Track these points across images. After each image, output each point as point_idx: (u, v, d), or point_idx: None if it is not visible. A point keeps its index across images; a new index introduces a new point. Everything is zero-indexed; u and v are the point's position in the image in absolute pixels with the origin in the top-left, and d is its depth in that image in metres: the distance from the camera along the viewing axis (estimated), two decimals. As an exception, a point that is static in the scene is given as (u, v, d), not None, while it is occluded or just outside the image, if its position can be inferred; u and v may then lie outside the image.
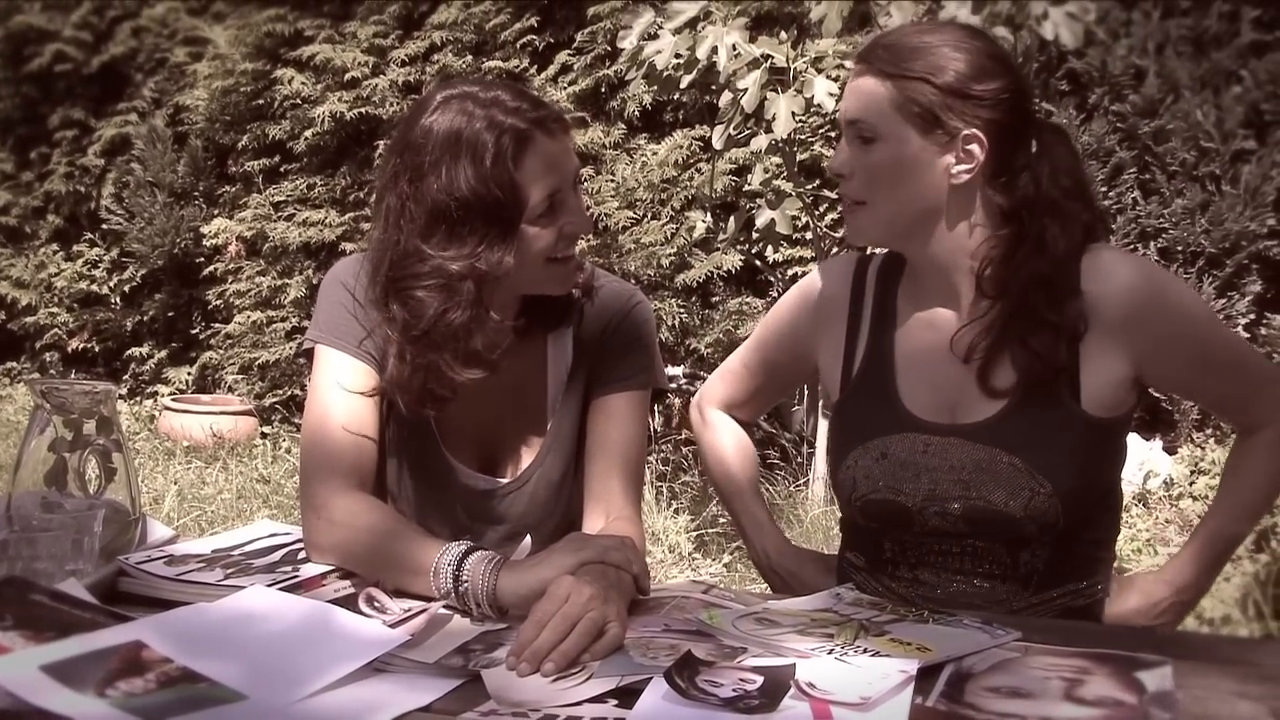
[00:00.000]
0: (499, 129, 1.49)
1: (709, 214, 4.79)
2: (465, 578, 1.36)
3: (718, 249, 5.83)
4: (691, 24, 4.04)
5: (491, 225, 1.50)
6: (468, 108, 1.51)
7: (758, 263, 5.07)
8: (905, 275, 1.65)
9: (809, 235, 4.78)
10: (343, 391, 1.59)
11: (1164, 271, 1.62)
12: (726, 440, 1.86)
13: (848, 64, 4.29)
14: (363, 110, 6.66)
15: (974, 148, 1.49)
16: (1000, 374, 1.52)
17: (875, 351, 1.63)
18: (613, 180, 6.11)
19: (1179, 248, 5.06)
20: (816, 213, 5.13)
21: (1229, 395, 1.62)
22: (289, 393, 6.81)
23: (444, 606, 1.36)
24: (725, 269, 5.88)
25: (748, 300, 5.95)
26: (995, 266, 1.52)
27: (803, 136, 5.38)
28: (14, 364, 8.37)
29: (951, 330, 1.56)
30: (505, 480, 1.69)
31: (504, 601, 1.34)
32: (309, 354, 1.66)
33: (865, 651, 1.19)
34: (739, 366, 1.85)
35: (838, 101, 3.98)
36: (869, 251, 1.79)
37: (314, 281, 6.82)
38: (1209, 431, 4.95)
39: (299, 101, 6.93)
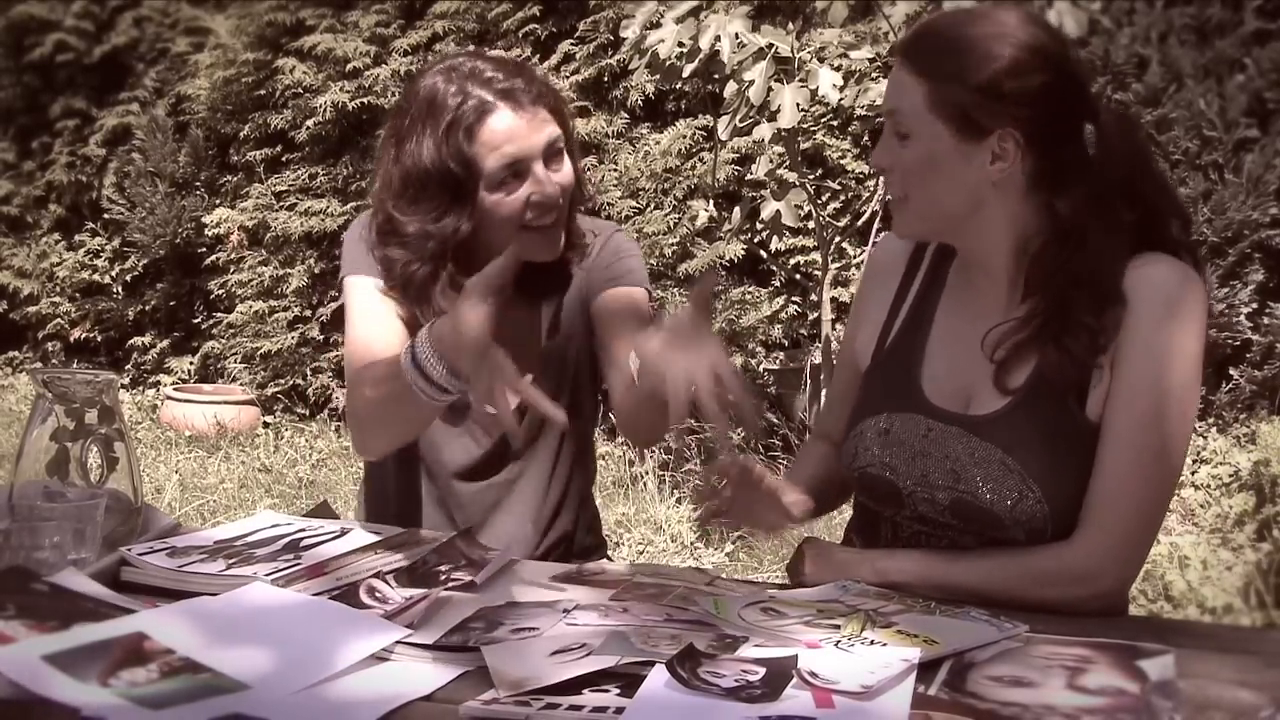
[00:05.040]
0: (464, 98, 1.62)
1: (711, 203, 4.78)
2: (417, 349, 1.43)
3: (720, 238, 5.82)
4: (694, 12, 4.03)
5: (446, 192, 1.63)
6: (450, 76, 1.65)
7: (760, 253, 5.07)
8: (956, 260, 1.64)
9: (811, 225, 4.78)
10: (380, 309, 1.71)
11: (1193, 296, 1.45)
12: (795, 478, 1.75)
13: (852, 54, 4.28)
14: (364, 100, 6.65)
15: (1009, 146, 1.46)
16: (1018, 372, 1.48)
17: (913, 324, 1.62)
18: (615, 170, 6.10)
19: (1182, 237, 5.05)
20: (819, 202, 5.12)
21: (1094, 485, 1.45)
22: (291, 382, 6.81)
23: (414, 385, 1.44)
24: (728, 258, 5.88)
25: (750, 290, 5.94)
26: (1037, 264, 1.50)
27: (806, 126, 5.37)
28: (16, 353, 8.38)
29: (988, 320, 1.53)
30: None
31: (437, 338, 1.40)
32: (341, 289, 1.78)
33: (872, 644, 1.19)
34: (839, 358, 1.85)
35: (841, 91, 3.98)
36: None
37: (316, 271, 6.83)
38: (1211, 420, 4.94)
39: (301, 91, 6.92)
